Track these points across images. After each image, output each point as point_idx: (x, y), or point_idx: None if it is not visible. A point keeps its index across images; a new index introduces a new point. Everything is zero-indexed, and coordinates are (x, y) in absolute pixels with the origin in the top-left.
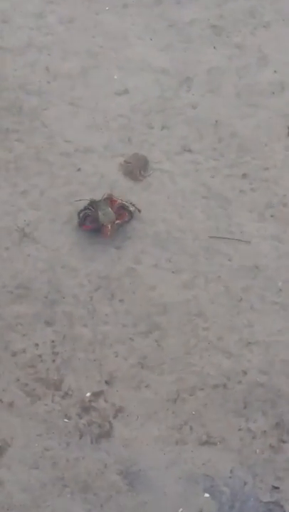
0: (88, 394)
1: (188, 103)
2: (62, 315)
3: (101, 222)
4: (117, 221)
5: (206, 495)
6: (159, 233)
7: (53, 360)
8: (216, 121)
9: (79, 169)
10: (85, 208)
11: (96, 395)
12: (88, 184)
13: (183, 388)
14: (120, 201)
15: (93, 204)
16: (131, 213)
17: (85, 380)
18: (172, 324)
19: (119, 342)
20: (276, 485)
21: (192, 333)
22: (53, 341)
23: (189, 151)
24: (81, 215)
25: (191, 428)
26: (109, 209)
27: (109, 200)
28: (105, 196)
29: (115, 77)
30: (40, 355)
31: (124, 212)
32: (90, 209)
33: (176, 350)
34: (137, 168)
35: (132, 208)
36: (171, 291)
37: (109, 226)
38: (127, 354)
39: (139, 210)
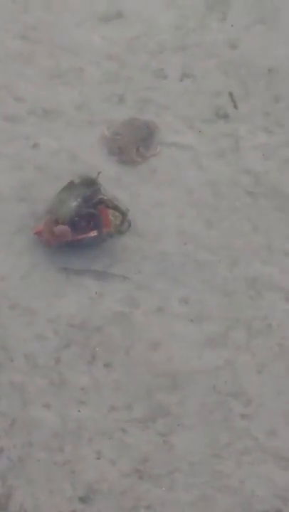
0: None
1: (224, 39)
2: (8, 388)
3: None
4: (93, 232)
5: None
6: (168, 254)
7: None
8: (270, 70)
9: (35, 145)
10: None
11: None
12: (49, 169)
13: None
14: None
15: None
16: (124, 218)
17: (48, 495)
18: (189, 407)
19: (103, 435)
20: None
21: (223, 423)
22: None
23: (225, 116)
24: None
25: None
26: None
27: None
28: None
29: None
30: None
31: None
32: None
33: (197, 450)
34: (131, 143)
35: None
36: (187, 352)
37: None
38: (115, 455)
39: (125, 215)
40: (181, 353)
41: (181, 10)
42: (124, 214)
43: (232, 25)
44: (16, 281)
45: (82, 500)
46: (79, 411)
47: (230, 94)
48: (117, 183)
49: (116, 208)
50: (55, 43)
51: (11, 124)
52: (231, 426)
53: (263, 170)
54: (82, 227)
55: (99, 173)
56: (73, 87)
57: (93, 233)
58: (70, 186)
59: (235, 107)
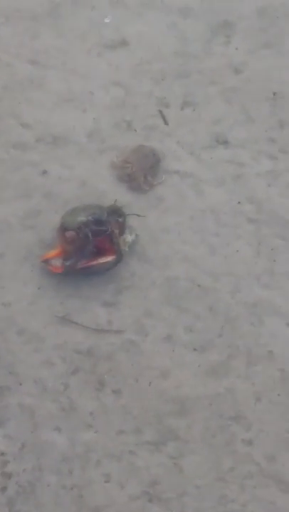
0: None
1: (228, 63)
2: (18, 411)
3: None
4: (101, 259)
5: None
6: (175, 281)
7: (3, 488)
8: (275, 94)
9: (44, 172)
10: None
11: None
12: (58, 197)
13: None
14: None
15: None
16: (118, 257)
17: None
18: (196, 432)
19: (111, 458)
20: None
21: (227, 447)
22: (3, 453)
23: (226, 142)
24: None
25: None
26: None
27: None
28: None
29: (106, 19)
30: None
31: (110, 247)
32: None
33: (203, 473)
34: (140, 171)
35: (129, 237)
36: (193, 380)
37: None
38: (124, 478)
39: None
40: (187, 380)
41: (184, 34)
42: (118, 253)
43: (236, 49)
44: (23, 307)
45: None
46: (88, 427)
47: (160, 112)
48: (125, 210)
49: (116, 244)
50: (65, 68)
51: (20, 151)
52: (234, 450)
53: (266, 196)
54: (90, 254)
55: (115, 201)
56: (84, 113)
57: (101, 260)
58: (89, 206)
59: (166, 123)
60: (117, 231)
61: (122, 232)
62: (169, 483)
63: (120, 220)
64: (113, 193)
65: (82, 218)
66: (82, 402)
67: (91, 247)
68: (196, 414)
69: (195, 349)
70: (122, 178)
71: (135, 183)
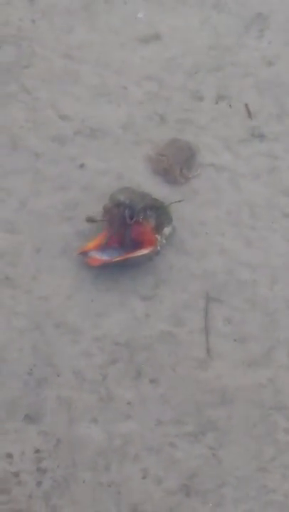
0: None
1: (261, 57)
2: (55, 404)
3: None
4: (139, 252)
5: None
6: (212, 273)
7: (39, 483)
8: None
9: (82, 165)
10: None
11: None
12: (96, 189)
13: None
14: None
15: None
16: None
17: None
18: (236, 422)
19: (150, 450)
20: None
21: (268, 437)
22: (38, 450)
23: (261, 136)
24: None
25: None
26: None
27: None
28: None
29: (139, 14)
30: (16, 474)
31: (152, 236)
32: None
33: (244, 464)
34: (175, 164)
35: (167, 230)
36: (233, 370)
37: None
38: (163, 472)
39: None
40: (227, 371)
41: (217, 29)
42: (155, 246)
43: (269, 42)
44: (60, 301)
45: None
46: (127, 418)
47: (246, 105)
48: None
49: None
50: (99, 62)
51: (58, 143)
52: (276, 439)
53: None
54: (128, 246)
55: (180, 201)
56: (118, 106)
57: (139, 252)
58: (135, 192)
59: (250, 117)
60: (150, 225)
61: (159, 227)
62: (208, 474)
63: (155, 215)
64: (149, 185)
65: (120, 197)
66: (120, 393)
67: (128, 233)
68: (236, 404)
69: (235, 340)
70: (158, 172)
71: (171, 176)
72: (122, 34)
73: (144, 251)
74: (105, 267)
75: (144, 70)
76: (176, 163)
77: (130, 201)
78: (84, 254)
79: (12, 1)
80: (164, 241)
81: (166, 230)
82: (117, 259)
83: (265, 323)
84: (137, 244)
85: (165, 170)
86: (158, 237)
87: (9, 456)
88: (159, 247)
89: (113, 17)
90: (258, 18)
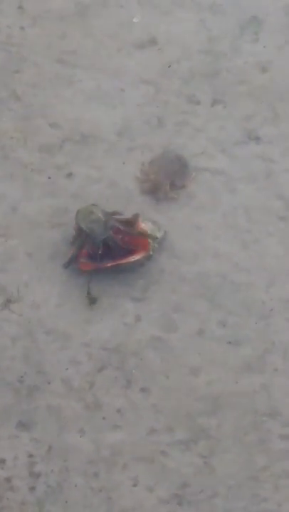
0: None
1: (256, 61)
2: (45, 412)
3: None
4: (130, 258)
5: None
6: (206, 276)
7: (32, 488)
8: None
9: (69, 175)
10: (80, 234)
11: None
12: (85, 197)
13: None
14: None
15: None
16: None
17: None
18: (228, 430)
19: (140, 459)
20: None
21: (261, 446)
22: (31, 455)
23: (257, 139)
24: (75, 246)
25: None
26: (99, 215)
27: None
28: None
29: (135, 19)
30: (8, 479)
31: (145, 241)
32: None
33: (236, 473)
34: (164, 180)
35: (158, 234)
36: (226, 377)
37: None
38: (154, 480)
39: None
40: (220, 377)
41: (212, 32)
42: (147, 251)
43: (264, 46)
44: (50, 308)
45: None
46: (115, 428)
47: None
48: (155, 207)
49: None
50: (94, 68)
51: (46, 153)
52: (268, 448)
53: None
54: (118, 252)
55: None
56: (113, 111)
57: (131, 258)
58: (104, 212)
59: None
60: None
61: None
62: (200, 484)
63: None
64: (143, 193)
65: (82, 225)
66: (109, 401)
67: (100, 253)
68: (229, 411)
69: (229, 342)
70: (146, 191)
71: (160, 194)
72: (117, 39)
73: (137, 256)
74: (96, 273)
75: (140, 75)
76: (165, 178)
77: (90, 231)
78: (69, 262)
79: (1, 9)
80: (155, 245)
81: (158, 234)
82: (109, 264)
83: (261, 326)
84: (129, 250)
85: (153, 189)
86: (150, 241)
87: (2, 461)
88: (151, 252)
89: (108, 22)
90: (253, 20)
